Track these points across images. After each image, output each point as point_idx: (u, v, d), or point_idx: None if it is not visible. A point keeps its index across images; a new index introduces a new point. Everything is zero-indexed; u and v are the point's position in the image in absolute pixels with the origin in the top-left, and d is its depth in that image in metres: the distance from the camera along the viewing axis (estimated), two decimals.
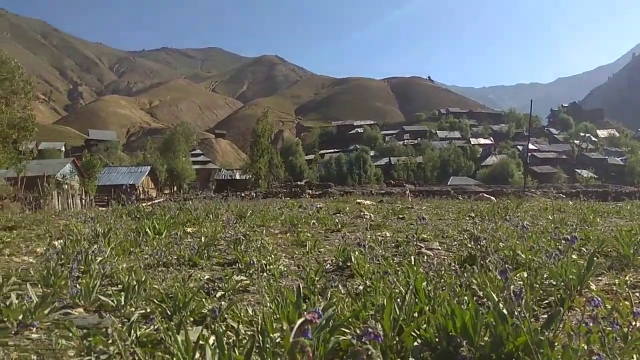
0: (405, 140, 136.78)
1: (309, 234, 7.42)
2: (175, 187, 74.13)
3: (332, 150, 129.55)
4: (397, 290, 2.63)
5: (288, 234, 7.86)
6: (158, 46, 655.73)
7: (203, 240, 5.82)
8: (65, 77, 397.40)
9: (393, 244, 6.29)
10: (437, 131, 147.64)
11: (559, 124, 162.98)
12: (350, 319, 2.10)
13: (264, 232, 8.19)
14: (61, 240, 6.36)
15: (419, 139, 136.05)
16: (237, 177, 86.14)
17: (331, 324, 1.98)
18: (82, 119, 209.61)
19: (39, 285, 3.71)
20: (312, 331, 1.98)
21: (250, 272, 4.48)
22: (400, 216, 10.94)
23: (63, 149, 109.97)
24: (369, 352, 1.03)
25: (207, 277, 4.28)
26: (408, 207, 13.99)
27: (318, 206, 12.36)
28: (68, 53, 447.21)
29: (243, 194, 48.60)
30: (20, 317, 2.75)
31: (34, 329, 2.65)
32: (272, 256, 5.12)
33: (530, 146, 77.03)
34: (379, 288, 2.73)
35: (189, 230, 8.00)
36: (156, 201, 43.62)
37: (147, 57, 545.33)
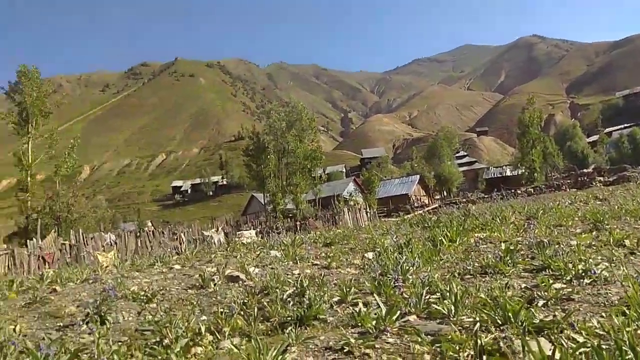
0: None
1: (624, 232, 6.41)
2: (445, 192, 74.99)
3: (622, 126, 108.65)
4: None
5: (594, 233, 6.98)
6: (409, 60, 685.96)
7: (504, 247, 5.72)
8: (336, 108, 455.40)
9: None
10: None
11: None
12: None
13: (565, 232, 7.51)
14: (371, 253, 7.26)
15: None
16: (508, 173, 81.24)
17: None
18: (354, 142, 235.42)
19: (373, 294, 4.33)
20: None
21: (568, 278, 4.19)
22: None
23: (343, 170, 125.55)
24: None
25: (523, 285, 4.20)
26: None
27: None
28: (336, 86, 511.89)
29: (518, 191, 45.45)
30: (374, 323, 3.27)
31: (388, 334, 3.12)
32: (588, 260, 4.64)
33: None
34: None
35: (479, 235, 7.99)
36: (429, 207, 45.02)
37: (401, 73, 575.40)
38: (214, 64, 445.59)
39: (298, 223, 34.75)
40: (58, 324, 4.69)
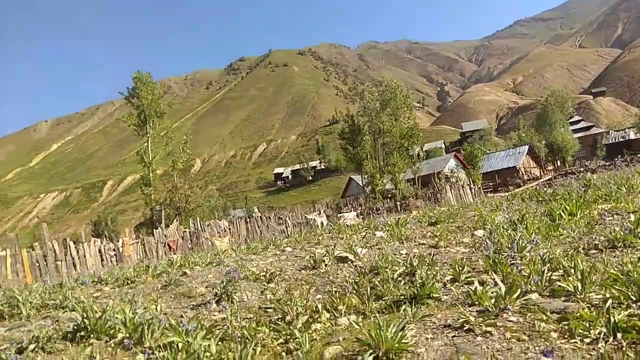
0: None
1: None
2: (558, 162, 69.28)
3: None
4: None
5: None
6: (510, 22, 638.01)
7: (633, 218, 5.21)
8: (431, 82, 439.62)
9: None
10: None
11: None
12: None
13: None
14: (481, 231, 7.02)
15: None
16: (632, 136, 72.82)
17: None
18: (453, 115, 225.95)
19: (488, 272, 4.22)
20: None
21: None
22: None
23: (442, 146, 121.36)
24: None
25: None
26: None
27: None
28: (430, 60, 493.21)
29: None
30: (493, 301, 3.20)
31: (509, 312, 3.03)
32: None
33: None
34: None
35: (603, 207, 7.33)
36: (542, 180, 41.93)
37: (502, 37, 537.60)
38: (305, 51, 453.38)
39: (398, 203, 34.48)
40: (192, 303, 5.22)
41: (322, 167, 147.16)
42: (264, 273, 5.79)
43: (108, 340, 4.07)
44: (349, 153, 46.96)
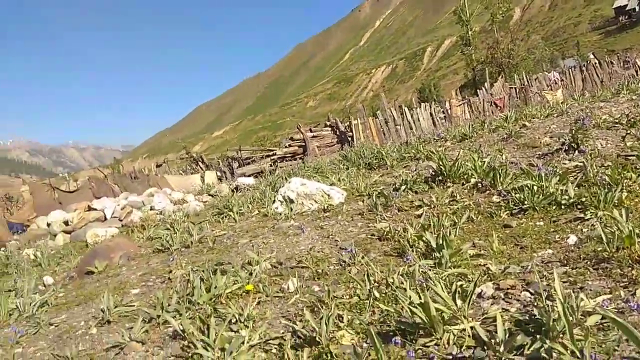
0: None
1: None
2: None
3: None
4: None
5: None
6: None
7: None
8: None
9: None
10: None
11: None
12: None
13: None
14: None
15: None
16: None
17: None
18: None
19: None
20: None
21: None
22: None
23: None
24: None
25: None
26: None
27: None
28: None
29: None
30: None
31: None
32: None
33: None
34: None
35: None
36: None
37: None
38: None
39: None
40: (537, 153, 5.18)
41: None
42: (621, 119, 5.10)
43: (463, 183, 4.57)
44: None
